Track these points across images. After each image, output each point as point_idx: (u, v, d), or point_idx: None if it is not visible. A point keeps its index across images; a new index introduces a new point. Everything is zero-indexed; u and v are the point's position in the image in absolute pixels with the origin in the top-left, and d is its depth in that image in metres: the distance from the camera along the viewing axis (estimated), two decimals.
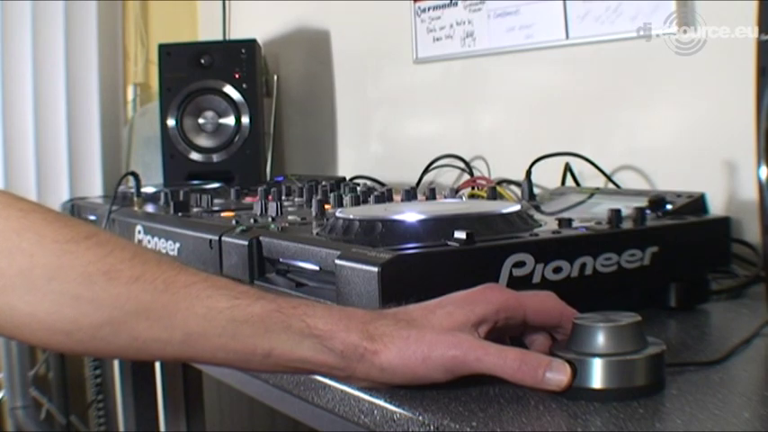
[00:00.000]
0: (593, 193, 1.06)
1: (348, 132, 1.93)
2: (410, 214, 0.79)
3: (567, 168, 1.26)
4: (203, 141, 1.84)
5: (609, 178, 1.24)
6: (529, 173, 1.19)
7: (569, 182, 1.26)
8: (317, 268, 0.79)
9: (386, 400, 0.59)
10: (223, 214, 1.15)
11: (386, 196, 1.13)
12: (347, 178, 1.64)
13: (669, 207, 0.89)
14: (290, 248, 0.84)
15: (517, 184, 1.24)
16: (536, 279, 0.72)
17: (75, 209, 1.60)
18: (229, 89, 1.82)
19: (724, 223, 0.86)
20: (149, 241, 1.15)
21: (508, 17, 1.41)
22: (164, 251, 1.10)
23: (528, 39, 1.38)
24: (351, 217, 0.81)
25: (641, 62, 1.22)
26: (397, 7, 1.65)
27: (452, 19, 1.52)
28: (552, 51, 1.35)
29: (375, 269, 0.67)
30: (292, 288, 0.85)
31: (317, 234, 0.85)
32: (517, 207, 0.83)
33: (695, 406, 0.54)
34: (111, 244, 0.60)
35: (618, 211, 0.80)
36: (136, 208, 1.34)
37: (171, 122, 1.82)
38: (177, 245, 1.07)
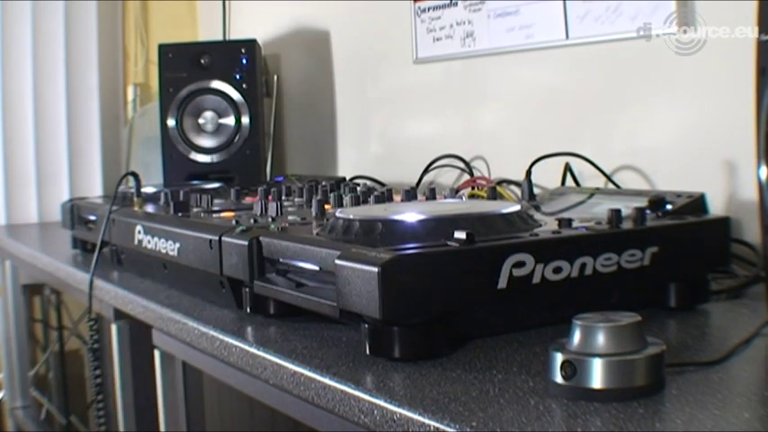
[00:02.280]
0: (593, 193, 1.06)
1: (348, 132, 1.93)
2: (410, 214, 0.79)
3: (567, 168, 1.26)
4: (203, 141, 1.84)
5: (609, 178, 1.24)
6: (529, 173, 1.19)
7: (569, 182, 1.26)
8: (317, 268, 0.79)
9: (386, 400, 0.59)
10: (223, 214, 1.15)
11: (386, 196, 1.12)
12: (347, 178, 1.64)
13: (669, 207, 0.89)
14: (290, 249, 0.84)
15: (517, 184, 1.24)
16: (536, 279, 0.72)
17: (75, 209, 1.59)
18: (229, 89, 1.82)
19: (724, 223, 0.86)
20: (149, 241, 1.15)
21: (508, 17, 1.41)
22: (164, 251, 1.10)
23: (528, 39, 1.38)
24: (351, 217, 0.81)
25: (641, 62, 1.22)
26: (397, 7, 1.65)
27: (452, 19, 1.52)
28: (552, 51, 1.35)
29: (375, 269, 0.67)
30: (292, 288, 0.85)
31: (317, 234, 0.85)
32: (517, 207, 0.83)
33: (695, 406, 0.54)
34: None
35: (618, 211, 0.80)
36: (136, 208, 1.33)
37: (171, 122, 1.82)
38: (177, 245, 1.06)
